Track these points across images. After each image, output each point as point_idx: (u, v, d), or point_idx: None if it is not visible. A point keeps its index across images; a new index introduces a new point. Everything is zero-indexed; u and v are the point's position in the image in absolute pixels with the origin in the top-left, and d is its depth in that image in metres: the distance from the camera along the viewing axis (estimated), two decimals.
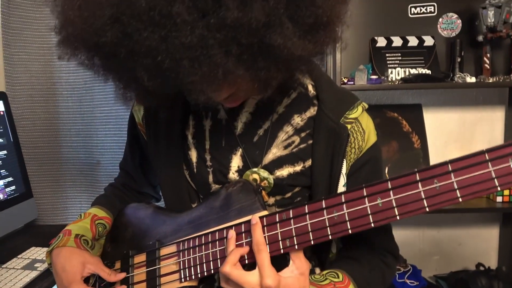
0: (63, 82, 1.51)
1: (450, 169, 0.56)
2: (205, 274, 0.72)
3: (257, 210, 0.71)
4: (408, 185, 0.59)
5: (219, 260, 0.71)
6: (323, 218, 0.64)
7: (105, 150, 1.53)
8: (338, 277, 0.72)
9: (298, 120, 0.77)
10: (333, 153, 0.75)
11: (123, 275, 0.80)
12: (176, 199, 0.83)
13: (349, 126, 0.75)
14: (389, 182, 0.60)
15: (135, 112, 0.88)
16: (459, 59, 1.52)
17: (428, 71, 1.47)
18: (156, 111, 0.83)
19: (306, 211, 0.65)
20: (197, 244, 0.74)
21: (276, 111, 0.78)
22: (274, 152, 0.77)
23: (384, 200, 0.60)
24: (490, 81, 1.42)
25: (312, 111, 0.78)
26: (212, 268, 0.71)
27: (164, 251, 0.79)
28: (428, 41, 1.60)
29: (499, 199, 1.51)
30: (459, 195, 0.56)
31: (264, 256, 0.63)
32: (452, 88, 1.58)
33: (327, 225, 0.63)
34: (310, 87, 0.80)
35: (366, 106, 0.79)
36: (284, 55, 0.56)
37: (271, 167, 0.76)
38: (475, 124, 1.71)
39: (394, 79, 1.50)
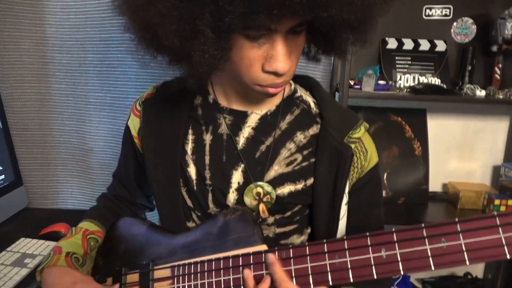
0: (56, 63, 1.44)
1: (459, 229, 0.54)
2: None
3: (255, 243, 0.70)
4: (414, 240, 0.56)
5: None
6: (324, 262, 0.62)
7: (98, 137, 1.49)
8: None
9: (301, 137, 0.76)
10: (336, 172, 0.74)
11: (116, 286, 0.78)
12: (172, 216, 0.81)
13: (352, 146, 0.74)
14: (394, 234, 0.58)
15: (131, 125, 0.86)
16: (469, 67, 1.47)
17: (438, 80, 1.43)
18: (153, 123, 0.80)
19: (307, 252, 0.63)
20: (192, 271, 0.73)
21: (279, 127, 0.76)
22: (276, 169, 0.75)
23: (389, 252, 0.58)
24: (500, 97, 1.38)
25: (315, 129, 0.77)
26: None
27: (158, 273, 0.77)
28: (440, 46, 1.54)
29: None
30: (466, 258, 0.54)
31: None
32: (460, 102, 1.54)
33: (328, 270, 0.61)
34: (312, 105, 0.79)
35: (367, 126, 0.79)
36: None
37: (272, 184, 0.75)
38: (478, 133, 1.69)
39: (402, 86, 1.46)
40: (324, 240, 0.62)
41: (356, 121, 0.77)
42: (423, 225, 0.56)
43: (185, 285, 0.73)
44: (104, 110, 1.45)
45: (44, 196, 1.55)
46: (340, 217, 0.75)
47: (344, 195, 0.75)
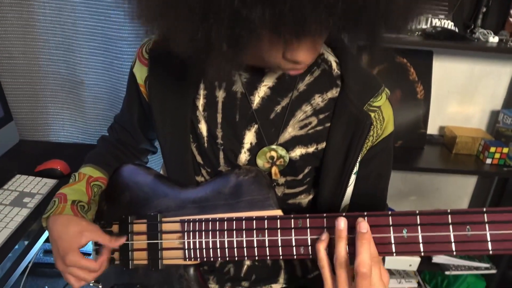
0: None
1: (485, 219, 0.54)
2: (211, 260, 0.73)
3: (270, 208, 0.70)
4: (438, 225, 0.57)
5: (226, 249, 0.70)
6: None
7: (89, 69, 1.40)
8: None
9: (318, 100, 0.72)
10: (351, 140, 0.71)
11: (123, 239, 0.79)
12: (180, 170, 0.79)
13: (372, 115, 0.71)
14: (418, 217, 0.58)
15: (137, 72, 0.79)
16: (484, 9, 1.39)
17: (451, 23, 1.36)
18: (162, 75, 0.75)
19: (325, 224, 0.63)
20: (203, 228, 0.73)
21: (297, 88, 0.72)
22: (290, 131, 0.73)
23: (411, 234, 0.58)
24: None
25: (334, 92, 0.72)
26: (219, 255, 0.71)
27: (167, 226, 0.77)
28: None
29: (488, 161, 1.55)
30: (490, 248, 0.54)
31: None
32: (471, 50, 1.48)
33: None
34: (334, 65, 0.74)
35: (389, 93, 0.75)
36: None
37: (286, 147, 0.73)
38: (481, 77, 1.66)
39: (414, 28, 1.38)
40: (344, 214, 0.62)
41: (378, 87, 0.73)
42: (448, 211, 0.56)
43: (195, 241, 0.73)
44: (95, 40, 1.35)
45: (34, 128, 1.50)
46: (348, 184, 0.75)
47: (356, 164, 0.73)
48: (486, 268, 1.73)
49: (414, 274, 1.80)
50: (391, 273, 1.77)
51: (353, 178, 0.75)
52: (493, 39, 1.36)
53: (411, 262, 1.68)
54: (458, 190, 1.89)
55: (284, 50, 0.56)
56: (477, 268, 1.73)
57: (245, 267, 0.82)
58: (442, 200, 1.90)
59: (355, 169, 0.74)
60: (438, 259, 1.74)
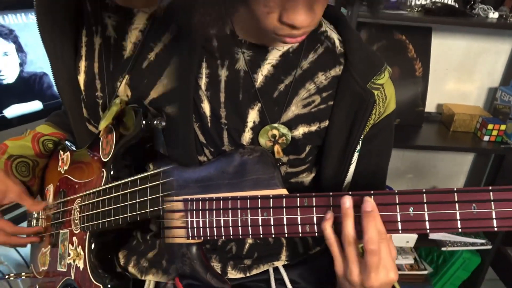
0: None
1: (491, 197, 0.54)
2: (215, 238, 0.73)
3: (275, 187, 0.70)
4: (444, 203, 0.57)
5: (231, 228, 0.70)
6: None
7: None
8: None
9: (322, 78, 0.72)
10: (354, 118, 0.71)
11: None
12: (182, 150, 0.78)
13: (375, 93, 0.71)
14: (424, 195, 0.58)
15: None
16: None
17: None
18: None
19: (331, 203, 0.64)
20: (207, 207, 0.73)
21: (301, 66, 0.71)
22: (293, 110, 0.72)
23: (417, 212, 0.59)
24: None
25: (337, 70, 0.72)
26: (223, 234, 0.71)
27: (169, 205, 0.77)
28: None
29: (486, 138, 1.55)
30: (495, 224, 0.55)
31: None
32: (471, 26, 1.46)
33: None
34: (337, 43, 0.73)
35: (391, 71, 0.75)
36: None
37: (288, 125, 0.73)
38: (479, 54, 1.65)
39: (413, 4, 1.36)
40: (350, 192, 0.62)
41: (381, 65, 0.73)
42: (455, 189, 0.56)
43: (199, 220, 0.73)
44: None
45: None
46: (351, 162, 0.75)
47: (359, 142, 0.73)
48: (482, 244, 1.76)
49: (410, 251, 1.83)
50: None
51: (356, 156, 0.75)
52: (493, 15, 1.35)
53: (409, 239, 1.70)
54: (455, 167, 1.90)
55: (281, 10, 0.54)
56: (472, 244, 1.76)
57: (247, 245, 0.83)
58: (439, 177, 1.92)
59: (358, 147, 0.74)
60: (435, 235, 1.76)
